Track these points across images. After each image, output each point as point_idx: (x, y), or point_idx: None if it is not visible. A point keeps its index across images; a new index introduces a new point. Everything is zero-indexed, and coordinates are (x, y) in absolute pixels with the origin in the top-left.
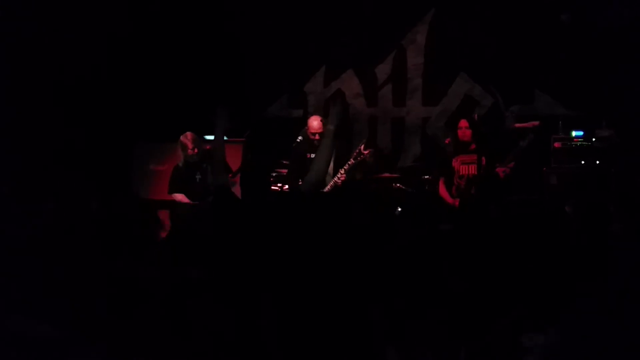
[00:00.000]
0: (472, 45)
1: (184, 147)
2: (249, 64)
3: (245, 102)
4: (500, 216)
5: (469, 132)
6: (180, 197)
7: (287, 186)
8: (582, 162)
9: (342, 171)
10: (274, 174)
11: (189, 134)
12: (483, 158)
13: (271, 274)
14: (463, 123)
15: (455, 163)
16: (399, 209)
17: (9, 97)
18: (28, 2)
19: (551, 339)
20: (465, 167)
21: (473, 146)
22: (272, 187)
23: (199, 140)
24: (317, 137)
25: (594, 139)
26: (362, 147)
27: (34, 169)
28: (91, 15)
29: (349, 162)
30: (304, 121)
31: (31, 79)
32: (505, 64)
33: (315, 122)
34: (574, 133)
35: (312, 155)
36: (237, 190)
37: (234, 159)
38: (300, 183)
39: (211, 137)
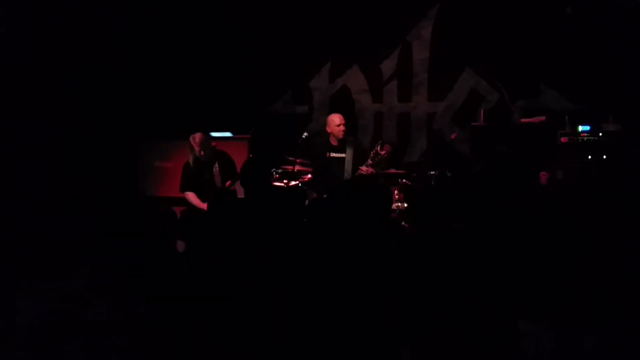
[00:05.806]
0: (478, 40)
1: (192, 148)
2: (253, 60)
3: (249, 98)
4: (506, 211)
5: None
6: (192, 196)
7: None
8: (589, 157)
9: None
10: (279, 171)
11: (197, 135)
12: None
13: (280, 271)
14: None
15: None
16: None
17: (12, 94)
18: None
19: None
20: None
21: None
22: (277, 184)
23: (207, 142)
24: (342, 127)
25: (600, 134)
26: (379, 147)
27: (37, 168)
28: (94, 13)
29: (367, 163)
30: (309, 117)
31: (34, 76)
32: (511, 59)
33: (337, 118)
34: (580, 128)
35: (332, 155)
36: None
37: (240, 155)
38: (327, 185)
39: (218, 134)
